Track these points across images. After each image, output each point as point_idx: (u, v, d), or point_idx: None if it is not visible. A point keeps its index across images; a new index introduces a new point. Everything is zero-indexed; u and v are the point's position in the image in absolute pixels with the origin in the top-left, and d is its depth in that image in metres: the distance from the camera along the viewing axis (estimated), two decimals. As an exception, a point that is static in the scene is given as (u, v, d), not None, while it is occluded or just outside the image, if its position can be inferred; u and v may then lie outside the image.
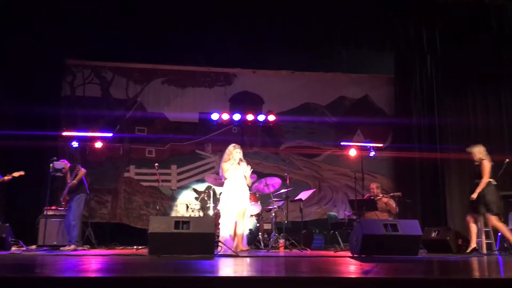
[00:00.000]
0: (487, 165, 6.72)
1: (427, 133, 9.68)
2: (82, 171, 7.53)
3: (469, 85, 9.77)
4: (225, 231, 6.57)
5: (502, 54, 9.31)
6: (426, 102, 9.82)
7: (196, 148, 10.07)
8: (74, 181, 7.39)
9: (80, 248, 7.25)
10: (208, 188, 8.98)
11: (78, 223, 7.32)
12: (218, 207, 6.95)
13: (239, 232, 6.53)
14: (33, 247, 7.41)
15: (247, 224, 7.23)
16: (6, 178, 7.40)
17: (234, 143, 6.98)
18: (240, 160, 6.70)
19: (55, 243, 7.65)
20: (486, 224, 6.99)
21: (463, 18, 8.67)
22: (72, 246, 7.16)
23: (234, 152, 6.75)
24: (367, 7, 8.53)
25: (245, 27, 8.51)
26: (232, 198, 6.61)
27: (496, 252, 6.96)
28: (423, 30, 8.83)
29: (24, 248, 7.02)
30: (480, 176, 6.73)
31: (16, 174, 7.45)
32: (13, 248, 6.97)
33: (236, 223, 6.57)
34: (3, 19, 8.05)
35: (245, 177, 6.71)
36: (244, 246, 6.57)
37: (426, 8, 8.58)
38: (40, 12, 8.03)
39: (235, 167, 6.67)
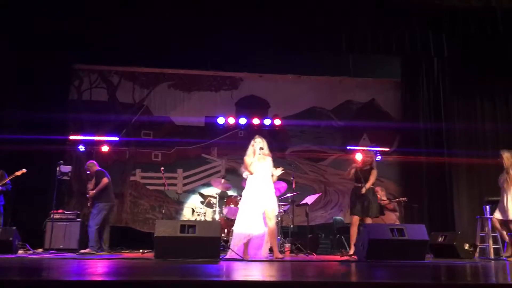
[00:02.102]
0: (376, 173, 7.09)
1: (434, 137, 9.64)
2: (104, 181, 7.66)
3: (476, 88, 9.70)
4: (238, 236, 5.94)
5: (509, 57, 9.26)
6: (433, 106, 9.78)
7: (202, 152, 10.09)
8: (94, 191, 7.61)
9: (94, 252, 7.39)
10: (214, 192, 8.98)
11: (94, 229, 7.48)
12: (239, 205, 6.33)
13: (271, 236, 5.97)
14: (40, 250, 7.45)
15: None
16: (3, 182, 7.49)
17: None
18: (263, 152, 6.08)
19: (61, 246, 7.69)
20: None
21: (470, 21, 8.62)
22: (87, 250, 7.39)
23: (254, 142, 6.14)
24: (372, 11, 8.51)
25: (251, 31, 8.52)
26: (256, 197, 5.96)
27: (503, 257, 6.90)
28: (430, 33, 8.79)
29: (31, 252, 7.06)
30: (366, 180, 6.92)
31: (18, 173, 7.53)
32: (20, 252, 7.01)
33: (257, 226, 5.92)
34: (11, 25, 8.10)
35: (272, 174, 6.12)
36: (277, 252, 5.98)
37: (432, 11, 8.54)
38: (47, 17, 8.08)
39: (259, 159, 6.03)
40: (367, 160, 7.11)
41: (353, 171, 7.06)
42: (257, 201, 5.96)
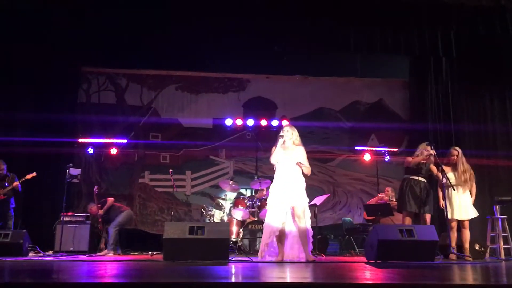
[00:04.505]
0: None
1: (444, 138, 9.55)
2: (110, 199, 8.08)
3: (486, 88, 9.60)
4: (267, 234, 5.65)
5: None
6: (441, 105, 9.69)
7: (210, 153, 10.10)
8: (102, 211, 7.94)
9: (111, 253, 7.60)
10: (223, 193, 9.00)
11: (112, 232, 7.78)
12: (267, 202, 5.91)
13: (301, 236, 5.58)
14: (50, 252, 7.51)
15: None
16: (14, 184, 7.62)
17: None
18: (294, 142, 5.71)
19: (71, 248, 7.77)
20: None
21: (479, 20, 8.55)
22: (105, 251, 7.70)
23: (283, 131, 5.77)
24: (380, 10, 8.47)
25: (258, 32, 8.51)
26: (281, 193, 5.60)
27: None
28: (438, 32, 8.73)
29: (41, 254, 7.11)
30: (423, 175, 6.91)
31: (28, 176, 7.63)
32: (31, 254, 7.06)
33: (285, 224, 5.61)
34: (20, 27, 8.17)
35: (299, 164, 5.60)
36: (309, 254, 5.59)
37: (441, 10, 8.48)
38: (55, 20, 8.14)
39: (285, 151, 5.64)
40: (429, 158, 6.97)
41: (428, 157, 6.84)
42: (283, 196, 5.59)
